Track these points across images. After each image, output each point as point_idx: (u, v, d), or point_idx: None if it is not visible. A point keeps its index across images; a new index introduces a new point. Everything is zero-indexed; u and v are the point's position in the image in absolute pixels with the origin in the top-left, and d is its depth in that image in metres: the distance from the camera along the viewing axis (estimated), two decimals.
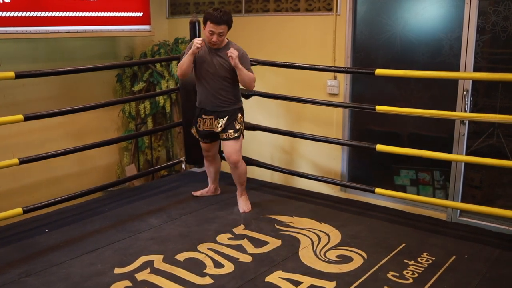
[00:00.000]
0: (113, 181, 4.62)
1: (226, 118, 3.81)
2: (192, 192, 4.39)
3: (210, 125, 3.86)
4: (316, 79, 4.67)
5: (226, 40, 3.75)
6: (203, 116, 3.87)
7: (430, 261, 3.16)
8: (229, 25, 3.64)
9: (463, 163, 4.08)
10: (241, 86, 3.88)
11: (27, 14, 4.10)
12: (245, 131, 4.71)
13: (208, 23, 3.57)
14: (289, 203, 4.23)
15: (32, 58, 4.54)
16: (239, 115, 3.88)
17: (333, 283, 2.90)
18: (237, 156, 3.87)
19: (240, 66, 3.61)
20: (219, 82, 3.75)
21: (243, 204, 4.04)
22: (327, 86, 4.66)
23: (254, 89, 4.61)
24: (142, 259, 3.20)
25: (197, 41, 3.60)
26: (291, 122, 4.96)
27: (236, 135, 3.84)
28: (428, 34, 4.18)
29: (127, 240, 3.50)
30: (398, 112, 3.84)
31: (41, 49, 4.61)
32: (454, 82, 4.04)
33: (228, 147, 3.85)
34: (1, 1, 3.95)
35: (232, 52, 3.58)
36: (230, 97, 3.82)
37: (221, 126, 3.81)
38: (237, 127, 3.84)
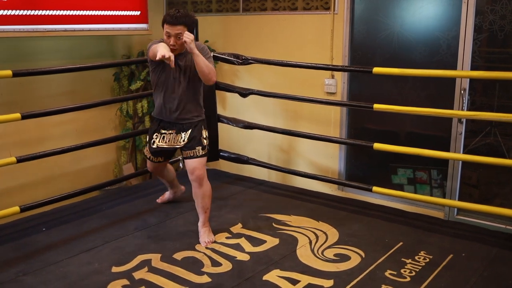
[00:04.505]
0: (110, 180, 4.62)
1: (189, 131, 3.44)
2: (157, 200, 4.17)
3: (169, 140, 3.48)
4: (314, 77, 4.67)
5: None
6: (162, 131, 3.50)
7: (428, 260, 3.17)
8: (188, 26, 3.26)
9: (460, 162, 4.09)
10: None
11: (24, 12, 4.09)
12: (242, 129, 4.73)
13: (164, 25, 3.28)
14: (286, 201, 4.23)
15: (28, 56, 4.53)
16: (205, 130, 3.51)
17: (331, 282, 2.90)
18: (202, 171, 3.43)
19: (196, 51, 3.22)
20: (182, 90, 3.39)
21: (206, 236, 3.47)
22: (325, 85, 4.66)
23: (251, 87, 4.62)
24: (140, 258, 3.20)
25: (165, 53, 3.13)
26: (289, 121, 4.96)
27: (203, 152, 3.46)
28: (425, 33, 4.19)
29: (125, 239, 3.49)
30: (396, 111, 3.85)
31: (38, 47, 4.59)
32: (452, 81, 4.04)
33: (193, 162, 3.44)
34: None
35: (187, 36, 3.20)
36: (193, 108, 3.46)
37: (183, 141, 3.44)
38: (204, 143, 3.48)
